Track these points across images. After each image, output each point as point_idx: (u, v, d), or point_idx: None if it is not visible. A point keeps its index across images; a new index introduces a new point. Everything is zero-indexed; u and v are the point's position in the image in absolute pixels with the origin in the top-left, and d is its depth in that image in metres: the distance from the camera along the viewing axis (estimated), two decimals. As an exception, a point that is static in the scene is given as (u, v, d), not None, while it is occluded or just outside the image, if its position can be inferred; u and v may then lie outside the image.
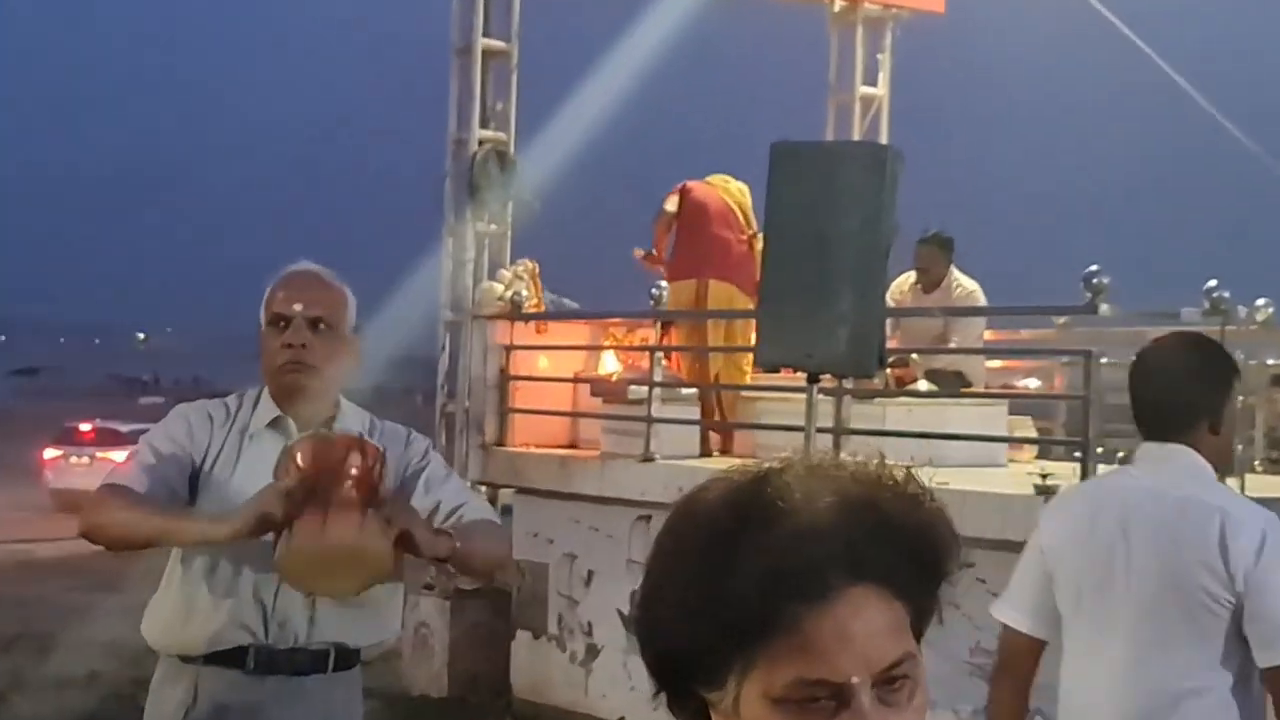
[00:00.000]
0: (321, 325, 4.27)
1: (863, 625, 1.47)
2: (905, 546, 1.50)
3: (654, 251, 12.31)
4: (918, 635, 1.53)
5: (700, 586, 1.48)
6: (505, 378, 12.69)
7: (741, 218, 12.08)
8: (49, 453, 31.20)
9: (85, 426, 32.05)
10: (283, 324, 4.28)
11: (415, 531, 3.95)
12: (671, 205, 12.17)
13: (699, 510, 1.53)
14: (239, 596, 4.19)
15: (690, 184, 12.24)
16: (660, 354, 11.82)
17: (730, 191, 12.14)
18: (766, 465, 1.54)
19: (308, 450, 3.94)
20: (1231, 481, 8.86)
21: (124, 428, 31.26)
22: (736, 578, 1.46)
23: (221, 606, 4.19)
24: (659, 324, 12.48)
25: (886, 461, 1.57)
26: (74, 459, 30.27)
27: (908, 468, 1.57)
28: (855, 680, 1.46)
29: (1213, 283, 9.38)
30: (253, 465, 4.15)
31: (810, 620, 1.46)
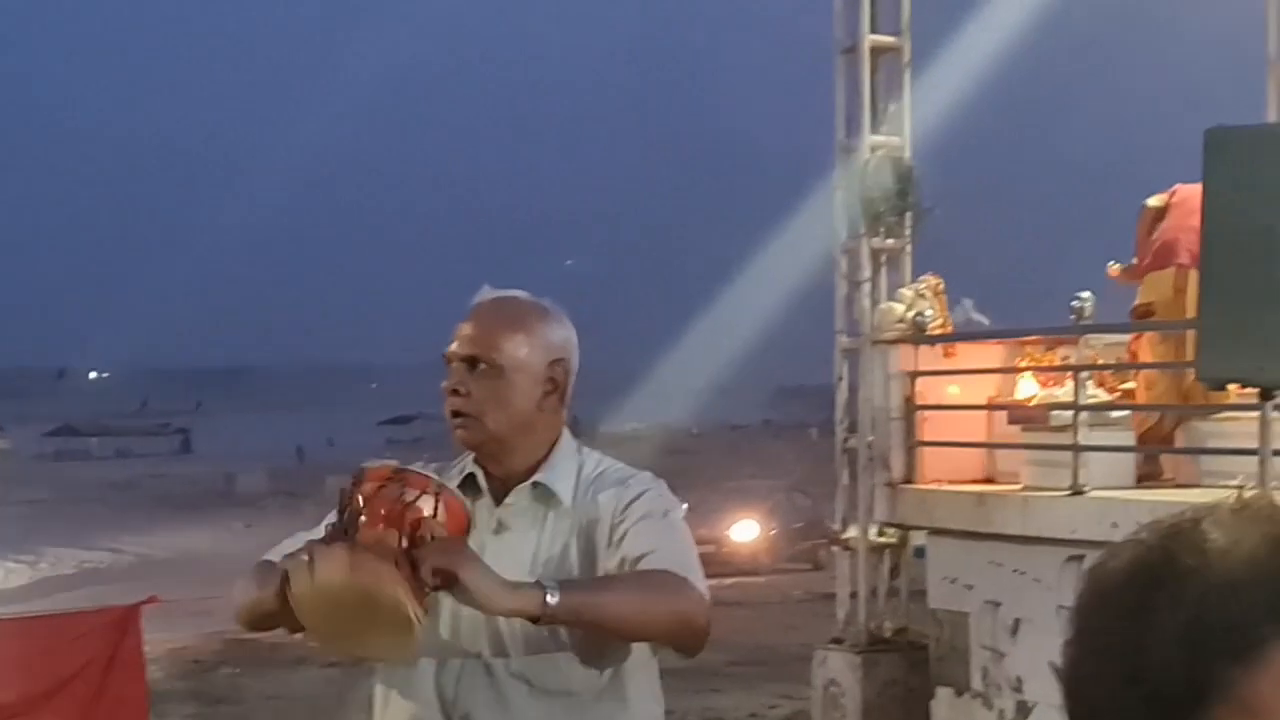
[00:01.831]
0: (481, 365, 3.96)
1: None
2: None
3: (1134, 263, 11.84)
4: None
5: (1119, 662, 1.46)
6: (911, 407, 12.62)
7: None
8: None
9: None
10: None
11: (465, 576, 3.55)
12: (1156, 200, 11.73)
13: (1105, 581, 1.51)
14: (416, 686, 3.95)
15: (1181, 185, 11.86)
16: (1086, 373, 11.59)
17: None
18: (1182, 515, 1.51)
19: (369, 480, 3.73)
20: None
21: None
22: (1153, 647, 1.43)
23: (403, 703, 3.98)
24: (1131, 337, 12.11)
25: None
26: None
27: None
28: None
29: None
30: None
31: (1247, 681, 1.41)
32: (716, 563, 26.20)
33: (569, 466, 4.01)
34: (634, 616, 3.74)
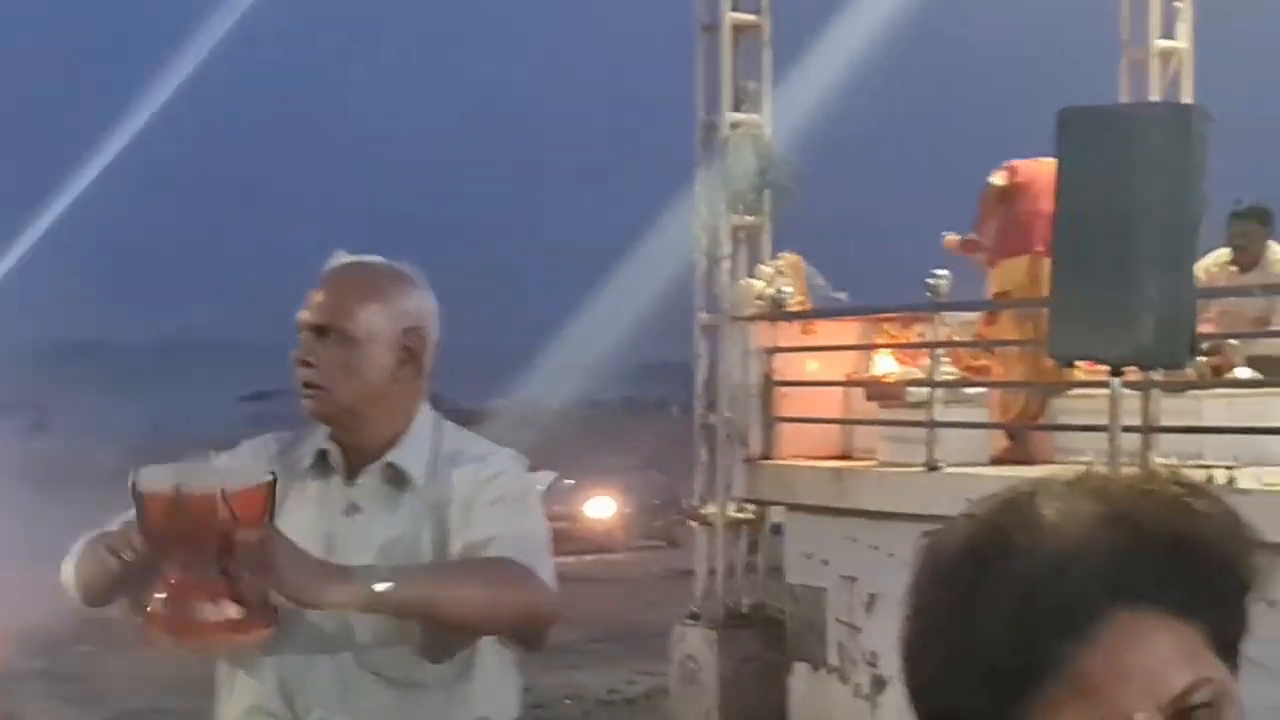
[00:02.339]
0: (331, 334, 3.76)
1: (1138, 654, 1.43)
2: (1173, 559, 1.44)
3: (973, 236, 12.01)
4: (1226, 655, 1.49)
5: (952, 639, 1.47)
6: (769, 384, 12.69)
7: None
8: None
9: None
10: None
11: (278, 575, 3.35)
12: (1000, 179, 11.89)
13: (939, 556, 1.52)
14: (259, 673, 3.79)
15: (1019, 162, 12.02)
16: (942, 351, 11.71)
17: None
18: (1016, 490, 1.52)
19: (151, 510, 3.42)
20: None
21: None
22: (988, 624, 1.44)
23: (248, 686, 3.83)
24: (984, 315, 12.22)
25: (1163, 463, 1.54)
26: None
27: (1179, 468, 1.53)
28: (1140, 717, 1.43)
29: None
30: (289, 517, 3.63)
31: (1079, 658, 1.43)
32: (572, 539, 26.23)
33: (423, 444, 3.82)
34: (473, 609, 3.58)
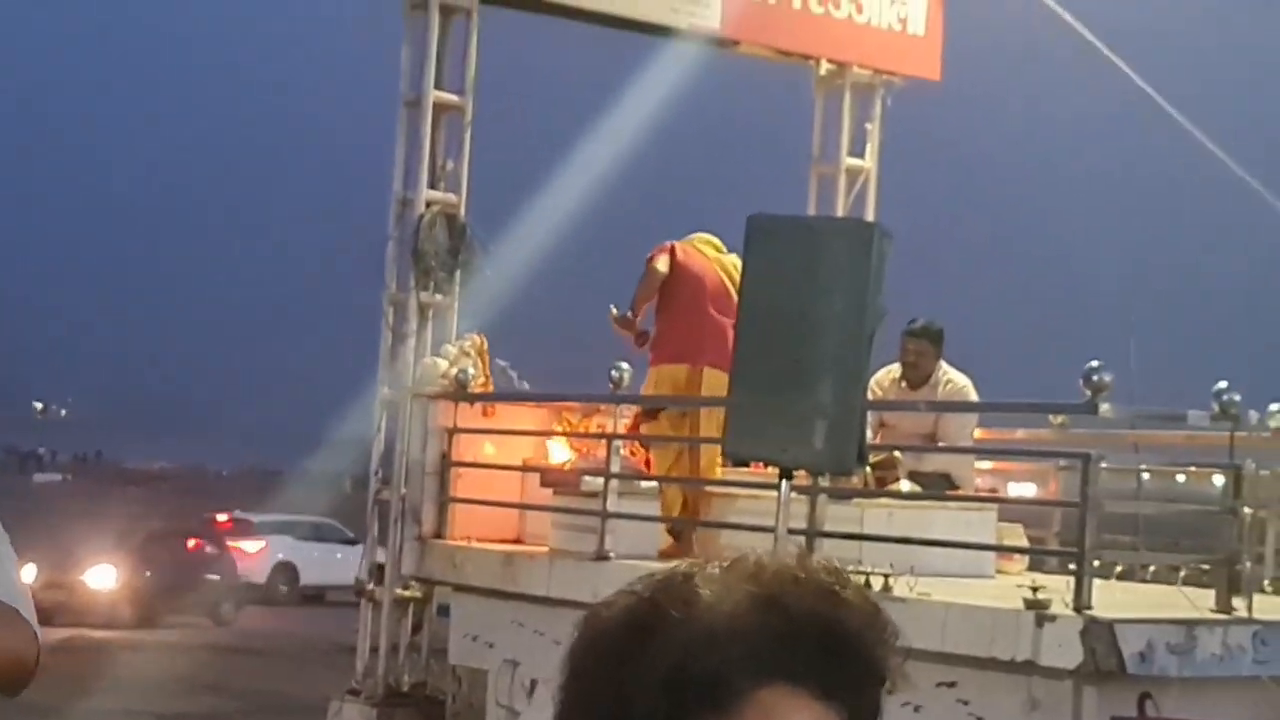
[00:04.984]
0: None
1: None
2: (818, 644, 1.52)
3: (630, 314, 11.89)
4: None
5: (607, 708, 1.52)
6: (447, 463, 12.67)
7: (737, 299, 11.87)
8: None
9: None
10: None
11: None
12: (663, 265, 11.82)
13: (599, 628, 1.57)
14: None
15: (679, 247, 11.96)
16: (619, 443, 11.80)
17: (725, 268, 11.78)
18: (674, 570, 1.58)
19: None
20: (1238, 602, 8.96)
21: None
22: (638, 693, 1.50)
23: None
24: (637, 410, 12.32)
25: (816, 557, 1.61)
26: None
27: (831, 563, 1.60)
28: None
29: (1222, 384, 9.45)
30: None
31: None
32: (69, 611, 26.05)
33: None
34: None
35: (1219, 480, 10.35)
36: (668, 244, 11.98)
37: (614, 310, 11.91)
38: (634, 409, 12.27)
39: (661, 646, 1.51)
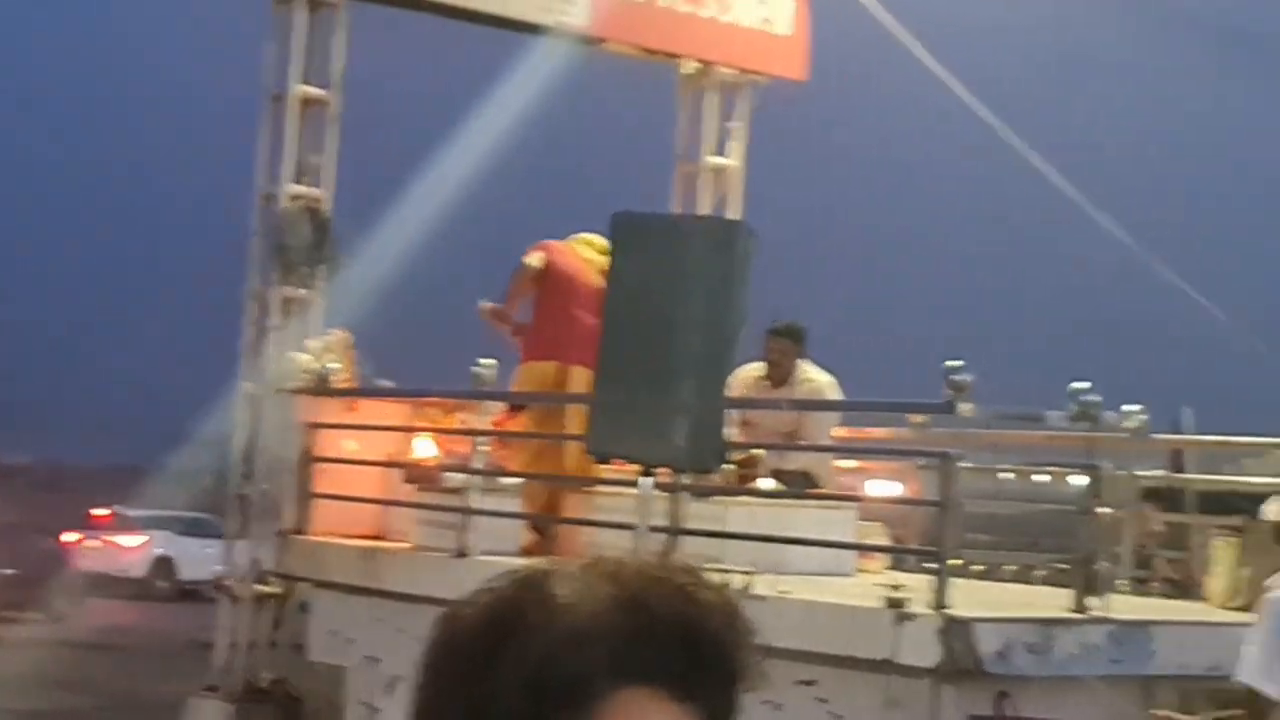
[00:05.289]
0: None
1: None
2: (678, 645, 1.51)
3: (502, 307, 11.95)
4: None
5: (466, 709, 1.51)
6: (308, 459, 12.57)
7: None
8: None
9: None
10: None
11: None
12: (537, 262, 11.86)
13: (458, 627, 1.55)
14: None
15: (555, 246, 12.00)
16: (483, 440, 11.76)
17: (604, 268, 11.69)
18: (535, 570, 1.57)
19: None
20: (1093, 601, 9.07)
21: None
22: (499, 694, 1.48)
23: None
24: (506, 407, 12.29)
25: (675, 557, 1.61)
26: None
27: (690, 563, 1.60)
28: None
29: (1081, 385, 9.53)
30: None
31: None
32: None
33: None
34: None
35: (1077, 480, 10.47)
36: (545, 242, 12.02)
37: (484, 304, 11.93)
38: (501, 406, 12.27)
39: (521, 647, 1.49)
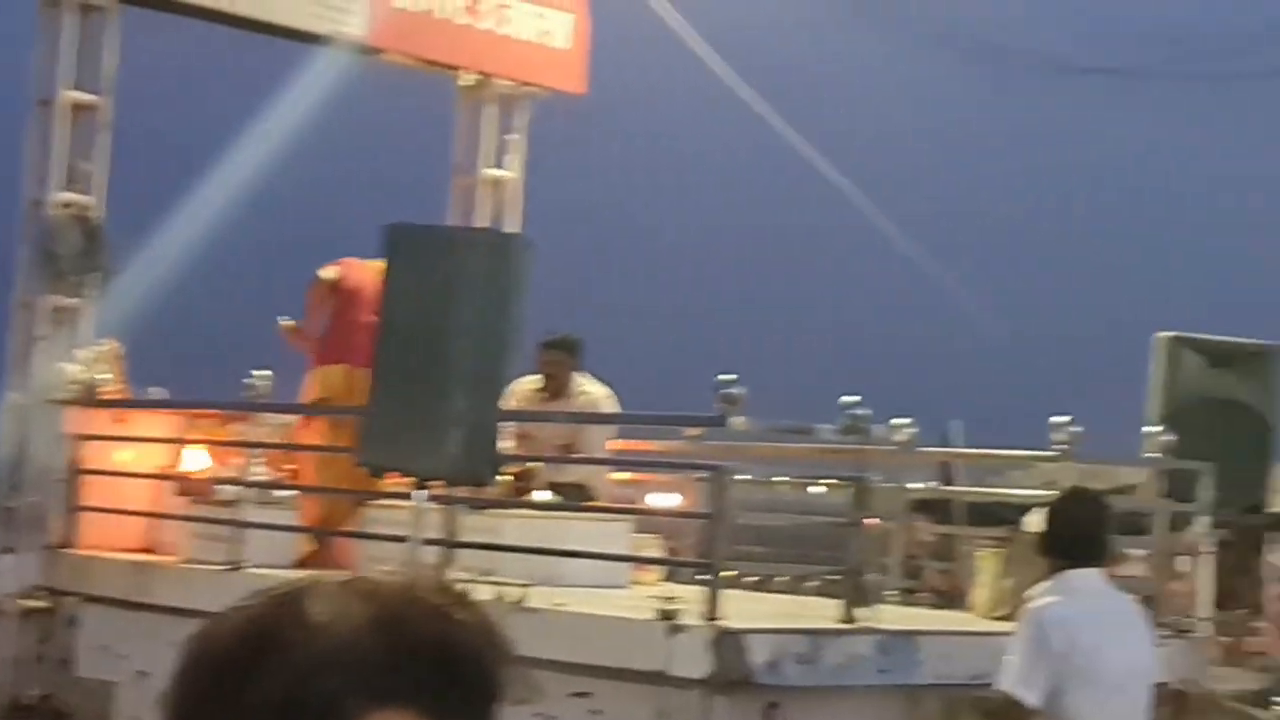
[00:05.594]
0: None
1: None
2: (434, 665, 1.50)
3: (304, 324, 12.02)
4: None
5: None
6: (76, 471, 12.35)
7: None
8: None
9: None
10: None
11: None
12: (331, 274, 11.95)
13: (209, 646, 1.53)
14: None
15: (352, 261, 12.06)
16: (256, 451, 11.65)
17: None
18: (291, 587, 1.55)
19: None
20: (862, 612, 9.21)
21: None
22: (252, 715, 1.46)
23: None
24: (301, 418, 12.20)
25: (433, 575, 1.60)
26: None
27: (448, 582, 1.60)
28: None
29: (851, 399, 9.68)
30: None
31: None
32: None
33: None
34: None
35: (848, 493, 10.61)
36: (344, 259, 12.11)
37: (284, 322, 11.96)
38: (279, 417, 12.18)
39: (274, 668, 1.47)
